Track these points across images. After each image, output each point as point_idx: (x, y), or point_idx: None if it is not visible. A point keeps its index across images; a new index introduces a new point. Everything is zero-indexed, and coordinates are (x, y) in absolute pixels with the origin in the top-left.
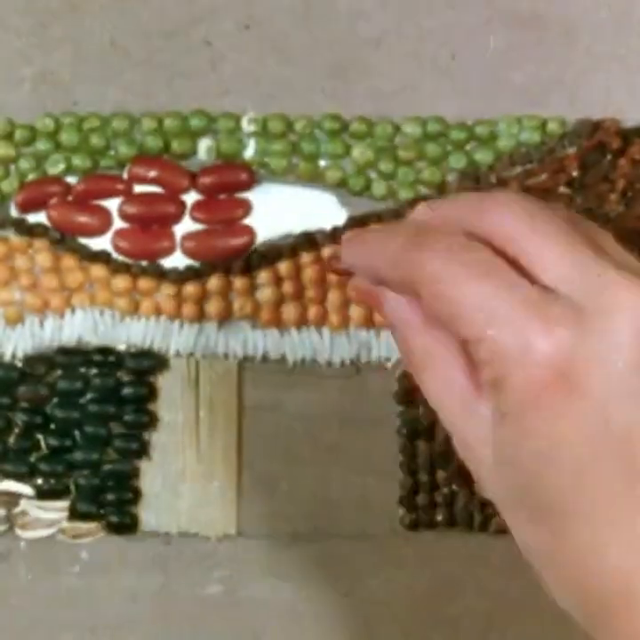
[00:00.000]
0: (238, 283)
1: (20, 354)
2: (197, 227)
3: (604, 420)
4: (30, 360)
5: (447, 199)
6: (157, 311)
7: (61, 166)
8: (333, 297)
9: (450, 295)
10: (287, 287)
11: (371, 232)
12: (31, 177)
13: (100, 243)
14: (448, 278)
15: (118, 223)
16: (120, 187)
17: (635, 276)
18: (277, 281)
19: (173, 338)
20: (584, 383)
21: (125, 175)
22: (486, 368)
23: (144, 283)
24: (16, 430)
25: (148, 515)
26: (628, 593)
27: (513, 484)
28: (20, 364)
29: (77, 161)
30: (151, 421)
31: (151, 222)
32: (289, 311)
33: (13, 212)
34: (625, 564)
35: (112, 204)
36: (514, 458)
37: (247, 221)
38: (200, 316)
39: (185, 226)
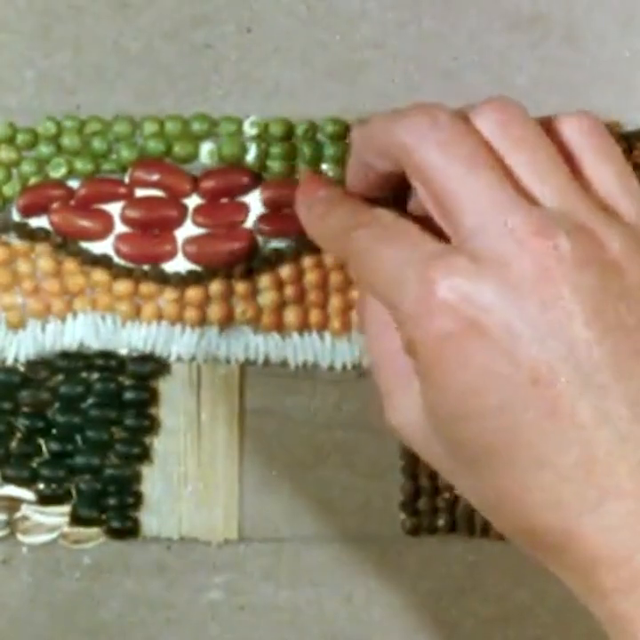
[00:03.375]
0: (240, 287)
1: (21, 358)
2: (199, 231)
3: (514, 363)
4: (32, 364)
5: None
6: (159, 316)
7: (63, 170)
8: (335, 301)
9: (369, 267)
10: (289, 291)
11: (317, 204)
12: (33, 181)
13: (102, 247)
14: (368, 252)
15: (120, 227)
16: (122, 191)
17: (546, 213)
18: (279, 285)
19: (175, 342)
20: (486, 328)
21: (127, 179)
22: (401, 332)
23: (145, 287)
24: (17, 435)
25: (150, 519)
26: (567, 530)
27: (443, 443)
28: (21, 369)
29: (79, 165)
30: (153, 426)
31: (153, 226)
32: (290, 315)
33: (15, 216)
34: (554, 502)
35: (114, 208)
36: (436, 416)
37: (249, 225)
38: (202, 321)
39: (187, 230)
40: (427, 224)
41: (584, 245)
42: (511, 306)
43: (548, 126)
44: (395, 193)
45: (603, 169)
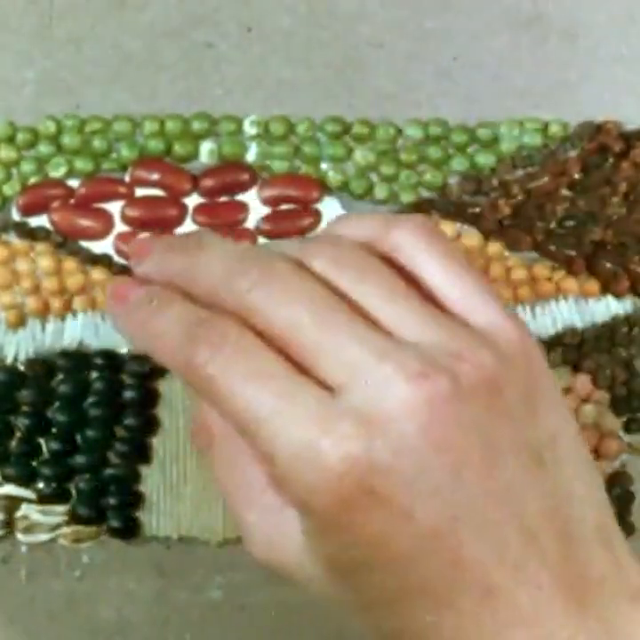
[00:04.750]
0: None
1: (21, 357)
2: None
3: (415, 520)
4: (32, 363)
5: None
6: None
7: (63, 169)
8: None
9: (226, 401)
10: None
11: (175, 242)
12: (33, 180)
13: (102, 246)
14: (221, 381)
15: (120, 226)
16: (122, 190)
17: (417, 353)
18: None
19: None
20: (382, 494)
21: (127, 178)
22: (282, 487)
23: None
24: (17, 434)
25: (149, 519)
26: None
27: (336, 586)
28: (21, 368)
29: (79, 164)
30: (152, 425)
31: (153, 225)
32: None
33: (15, 216)
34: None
35: (114, 208)
36: (331, 566)
37: (249, 224)
38: None
39: (187, 229)
40: None
41: (464, 374)
42: (405, 463)
43: (382, 242)
44: None
45: (447, 279)
